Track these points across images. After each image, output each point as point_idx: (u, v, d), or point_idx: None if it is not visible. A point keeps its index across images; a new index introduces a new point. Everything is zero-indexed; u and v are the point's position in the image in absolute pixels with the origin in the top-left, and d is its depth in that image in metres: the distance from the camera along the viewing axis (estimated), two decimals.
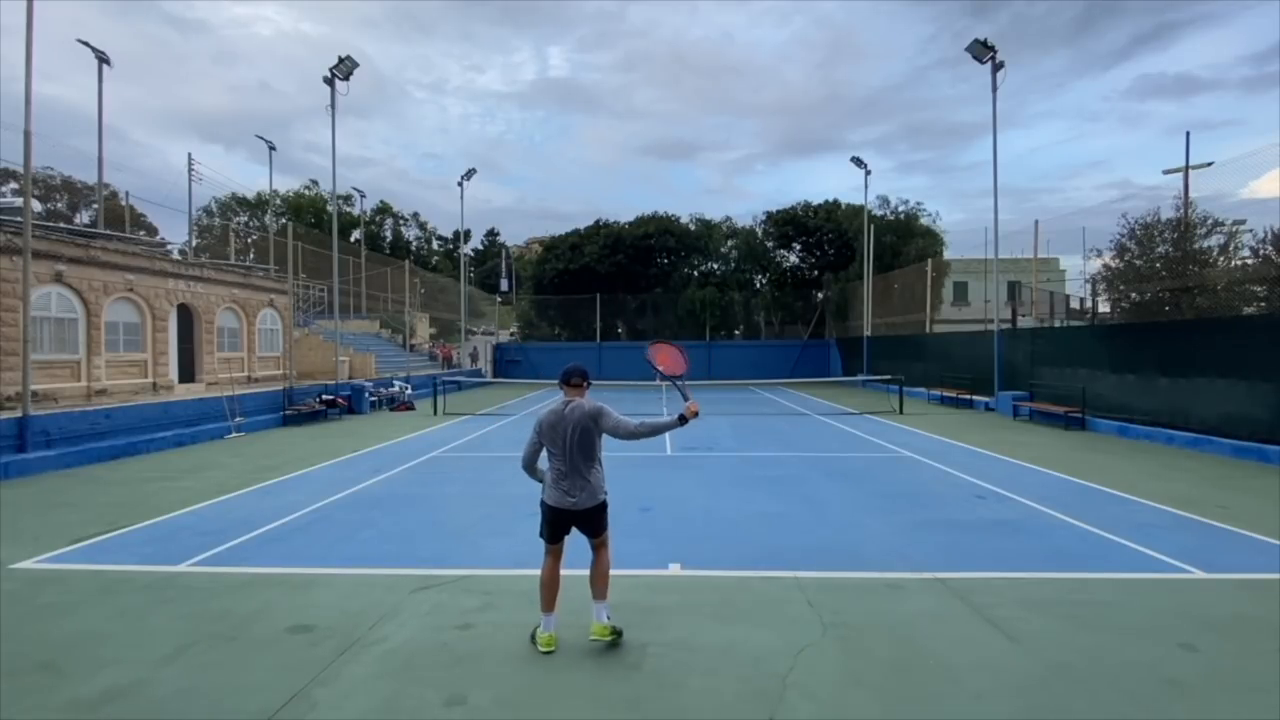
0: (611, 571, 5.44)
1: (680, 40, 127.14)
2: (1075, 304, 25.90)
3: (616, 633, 4.07)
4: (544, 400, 23.88)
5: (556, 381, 4.36)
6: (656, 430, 4.17)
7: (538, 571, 5.50)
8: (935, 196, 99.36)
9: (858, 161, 29.20)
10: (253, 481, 9.37)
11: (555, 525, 4.12)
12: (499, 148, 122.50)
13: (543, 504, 4.17)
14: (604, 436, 4.17)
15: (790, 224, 39.27)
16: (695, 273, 40.72)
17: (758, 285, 40.53)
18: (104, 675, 3.76)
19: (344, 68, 19.55)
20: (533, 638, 4.11)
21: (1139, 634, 4.24)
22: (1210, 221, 19.01)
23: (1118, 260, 20.63)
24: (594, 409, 4.10)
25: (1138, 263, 19.92)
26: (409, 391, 22.35)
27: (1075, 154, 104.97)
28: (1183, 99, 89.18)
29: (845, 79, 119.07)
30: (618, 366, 33.82)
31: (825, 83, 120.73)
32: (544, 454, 4.21)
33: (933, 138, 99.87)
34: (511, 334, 47.05)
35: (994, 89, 18.45)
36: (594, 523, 4.15)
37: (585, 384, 4.24)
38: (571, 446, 4.05)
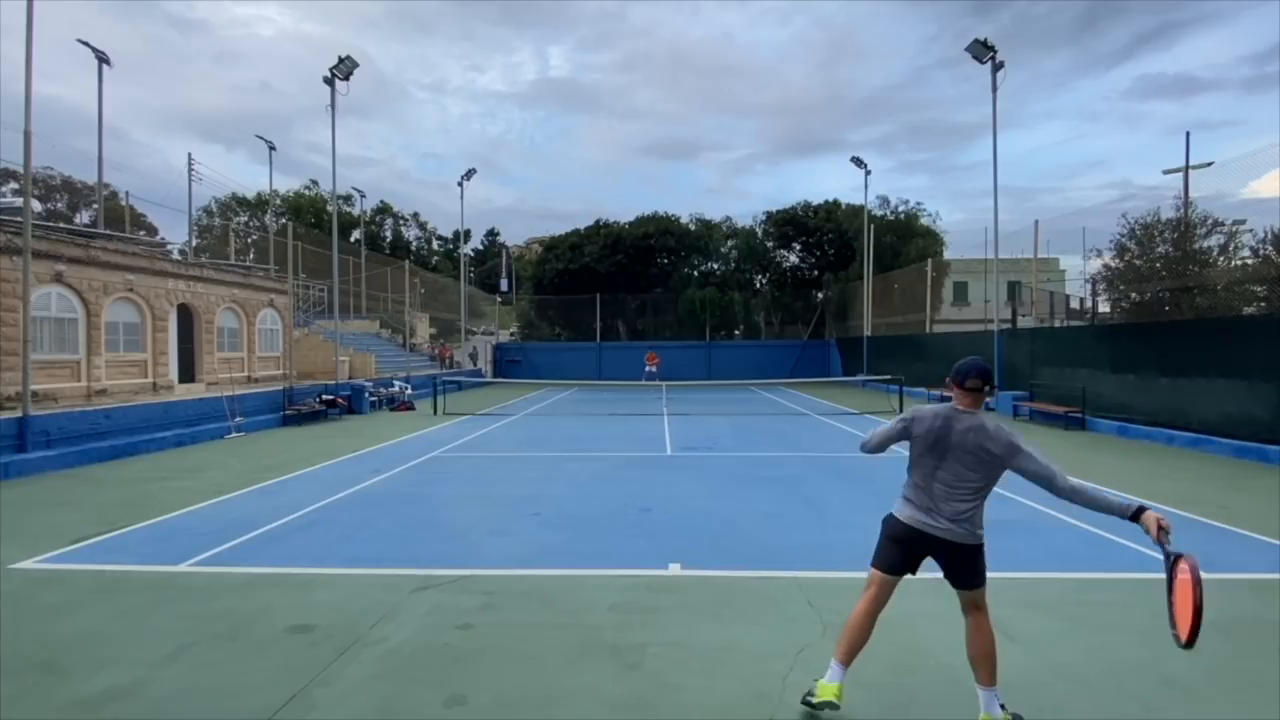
0: (611, 571, 5.48)
1: (681, 40, 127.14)
2: (1075, 304, 25.88)
3: None
4: (544, 399, 23.89)
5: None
6: (1097, 504, 2.93)
7: (537, 572, 5.54)
8: (935, 196, 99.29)
9: (858, 161, 29.22)
10: (253, 481, 9.37)
11: (900, 549, 3.24)
12: (499, 148, 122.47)
13: (889, 519, 3.31)
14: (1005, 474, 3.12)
15: (790, 224, 39.27)
16: (695, 273, 40.73)
17: (758, 285, 40.54)
18: (104, 675, 3.76)
19: (344, 68, 19.55)
20: (809, 696, 3.27)
21: (1139, 634, 4.24)
22: (1210, 221, 18.96)
23: (1118, 260, 20.59)
24: (1009, 442, 3.01)
25: (1138, 263, 19.88)
26: (409, 391, 22.34)
27: (1075, 154, 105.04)
28: (1183, 99, 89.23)
29: (846, 79, 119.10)
30: (618, 367, 33.87)
31: (826, 83, 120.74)
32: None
33: (933, 138, 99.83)
34: (511, 334, 47.07)
35: (994, 89, 18.47)
36: (961, 564, 3.21)
37: (988, 389, 3.14)
38: (952, 472, 3.10)
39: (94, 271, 15.49)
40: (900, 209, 35.94)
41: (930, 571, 5.41)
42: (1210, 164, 20.90)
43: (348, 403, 18.96)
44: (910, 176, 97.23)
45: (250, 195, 45.13)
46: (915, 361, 24.16)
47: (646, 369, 31.33)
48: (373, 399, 20.25)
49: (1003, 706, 3.11)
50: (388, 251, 47.59)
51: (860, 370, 28.91)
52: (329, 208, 39.41)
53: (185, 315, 18.80)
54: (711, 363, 34.42)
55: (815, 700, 3.20)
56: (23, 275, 11.56)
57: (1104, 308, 22.85)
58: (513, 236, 74.52)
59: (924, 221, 35.76)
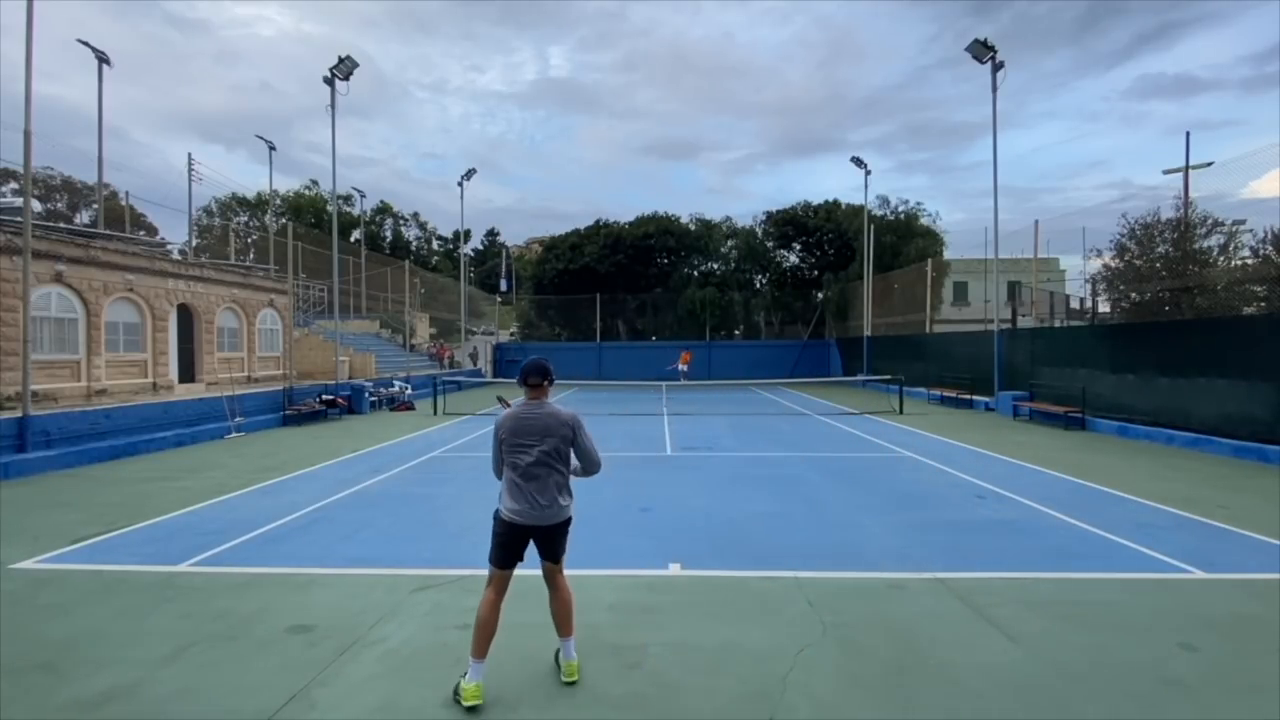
0: (611, 571, 5.50)
1: (681, 40, 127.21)
2: (1075, 304, 25.88)
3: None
4: None
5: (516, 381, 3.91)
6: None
7: (537, 571, 5.51)
8: (935, 196, 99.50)
9: (858, 161, 29.20)
10: (253, 481, 9.37)
11: (510, 545, 3.62)
12: (499, 148, 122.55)
13: (497, 518, 3.66)
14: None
15: (790, 224, 39.26)
16: (695, 273, 40.70)
17: (758, 285, 40.52)
18: (104, 675, 3.76)
19: (344, 68, 19.54)
20: (455, 692, 3.43)
21: (1139, 634, 4.24)
22: (1210, 221, 18.99)
23: (1118, 260, 20.61)
24: (572, 418, 3.69)
25: (1138, 263, 19.90)
26: (409, 391, 22.34)
27: (1075, 154, 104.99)
28: (1183, 99, 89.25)
29: (846, 79, 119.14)
30: (618, 366, 33.86)
31: (826, 83, 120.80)
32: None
33: (933, 138, 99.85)
34: (512, 334, 47.06)
35: (994, 89, 18.46)
36: (555, 542, 3.69)
37: (547, 383, 3.74)
38: (539, 455, 3.59)
39: (94, 271, 15.49)
40: (900, 209, 35.91)
41: (930, 571, 5.44)
42: (1210, 164, 20.93)
43: (348, 403, 18.95)
44: (910, 176, 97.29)
45: (250, 195, 45.16)
46: (915, 361, 24.15)
47: (680, 367, 31.25)
48: (373, 399, 20.24)
49: (576, 653, 3.71)
50: (388, 251, 47.58)
51: (860, 370, 28.91)
52: (329, 208, 39.40)
53: (185, 315, 18.80)
54: (711, 363, 34.40)
55: (469, 704, 3.35)
56: (23, 275, 11.55)
57: (1104, 308, 22.87)
58: (513, 236, 74.65)
59: (924, 221, 35.72)
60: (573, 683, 3.60)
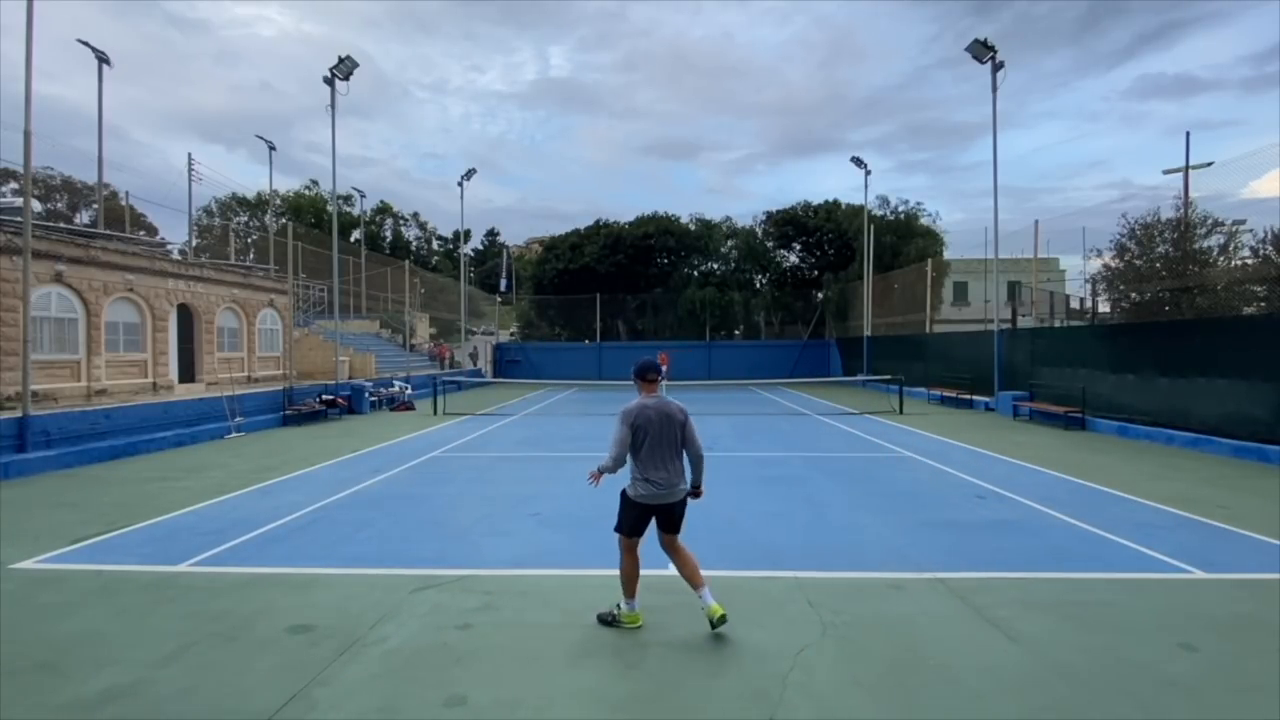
0: (611, 571, 5.47)
1: (681, 40, 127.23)
2: (1075, 304, 25.87)
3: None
4: (545, 400, 23.88)
5: (631, 377, 4.57)
6: (695, 469, 4.50)
7: (537, 572, 5.57)
8: (935, 196, 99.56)
9: (858, 161, 29.20)
10: (253, 481, 9.37)
11: (642, 519, 4.34)
12: (500, 148, 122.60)
13: (631, 500, 4.34)
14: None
15: (790, 224, 39.24)
16: (695, 273, 40.67)
17: (758, 285, 40.48)
18: (104, 675, 3.76)
19: (344, 68, 19.54)
20: (614, 619, 4.33)
21: (1139, 634, 4.24)
22: (1210, 221, 18.97)
23: (1118, 260, 20.60)
24: (682, 409, 4.41)
25: (1138, 263, 19.88)
26: (409, 391, 22.34)
27: (1075, 154, 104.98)
28: (1183, 99, 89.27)
29: (846, 79, 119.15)
30: (618, 366, 33.85)
31: (826, 83, 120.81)
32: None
33: (933, 138, 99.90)
34: (511, 334, 47.05)
35: (994, 89, 18.45)
36: (675, 516, 4.38)
37: (660, 379, 4.54)
38: (671, 442, 4.31)
39: (94, 271, 15.48)
40: (900, 209, 35.85)
41: (930, 571, 5.44)
42: (1210, 164, 20.93)
43: (348, 403, 18.95)
44: (910, 176, 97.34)
45: (250, 195, 45.17)
46: (915, 361, 24.15)
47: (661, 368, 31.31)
48: (373, 399, 20.24)
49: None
50: (388, 251, 47.57)
51: (860, 370, 28.91)
52: (329, 208, 39.40)
53: (185, 315, 18.80)
54: (711, 363, 34.41)
55: (635, 626, 4.28)
56: (23, 275, 11.55)
57: (1104, 308, 22.86)
58: (513, 236, 74.69)
59: (924, 221, 35.66)
60: (723, 618, 4.13)
